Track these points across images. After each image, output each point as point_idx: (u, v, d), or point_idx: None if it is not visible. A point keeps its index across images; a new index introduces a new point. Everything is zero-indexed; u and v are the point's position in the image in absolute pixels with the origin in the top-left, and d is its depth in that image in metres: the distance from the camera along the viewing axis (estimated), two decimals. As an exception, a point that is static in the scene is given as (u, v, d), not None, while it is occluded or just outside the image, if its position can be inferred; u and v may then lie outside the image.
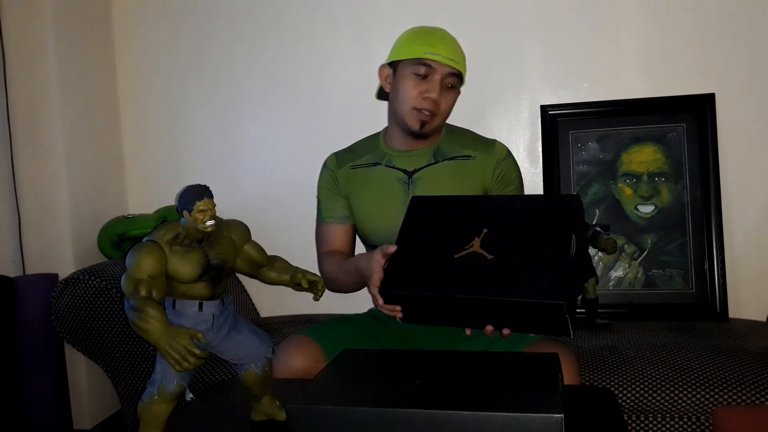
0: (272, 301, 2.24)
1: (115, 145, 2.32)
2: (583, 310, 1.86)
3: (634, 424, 1.49)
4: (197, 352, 0.88)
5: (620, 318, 1.93)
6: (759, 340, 1.66)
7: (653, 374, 1.49)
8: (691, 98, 1.99)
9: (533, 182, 2.09)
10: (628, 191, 2.01)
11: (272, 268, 1.07)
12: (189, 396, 0.95)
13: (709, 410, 1.44)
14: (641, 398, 1.47)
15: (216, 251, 0.95)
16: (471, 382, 0.95)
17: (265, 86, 2.25)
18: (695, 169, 1.97)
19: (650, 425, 1.48)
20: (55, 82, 2.03)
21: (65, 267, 2.01)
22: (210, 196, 0.92)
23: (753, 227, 2.00)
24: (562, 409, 0.83)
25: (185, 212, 0.92)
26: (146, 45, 2.31)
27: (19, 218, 2.05)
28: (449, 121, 1.53)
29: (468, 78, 1.51)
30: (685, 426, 1.47)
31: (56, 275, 1.95)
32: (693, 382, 1.47)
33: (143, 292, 0.88)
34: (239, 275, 2.16)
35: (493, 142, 1.52)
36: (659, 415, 1.47)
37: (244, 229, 1.03)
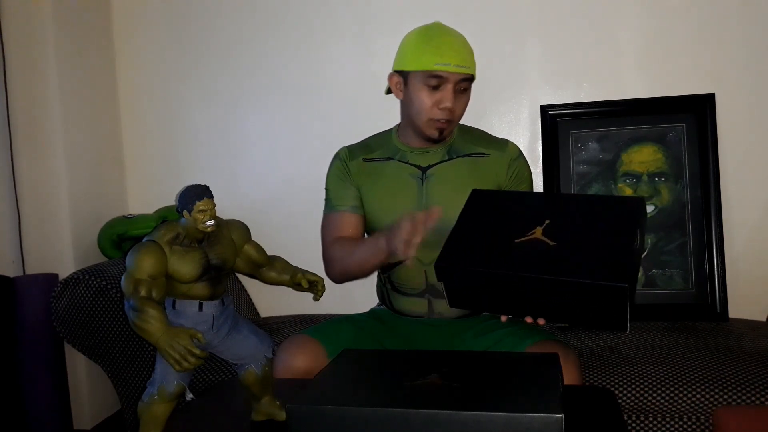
0: (272, 301, 2.24)
1: (115, 145, 2.32)
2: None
3: (634, 424, 1.49)
4: (197, 352, 0.88)
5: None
6: (759, 340, 1.67)
7: (653, 374, 1.49)
8: (691, 98, 1.99)
9: (533, 182, 2.08)
10: (628, 191, 2.01)
11: (272, 268, 1.07)
12: (189, 396, 0.96)
13: (709, 410, 1.44)
14: (641, 398, 1.47)
15: (216, 251, 0.95)
16: (471, 382, 0.95)
17: (265, 86, 2.25)
18: (695, 169, 1.97)
19: (650, 425, 1.48)
20: (55, 82, 2.03)
21: (65, 267, 2.01)
22: (210, 196, 0.92)
23: (753, 227, 2.00)
24: (562, 409, 0.83)
25: (185, 212, 0.92)
26: (146, 45, 2.31)
27: (19, 218, 2.05)
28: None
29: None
30: (685, 426, 1.47)
31: (56, 275, 1.95)
32: (693, 382, 1.47)
33: (143, 292, 0.88)
34: (239, 275, 2.15)
35: (506, 141, 1.53)
36: (659, 415, 1.47)
37: (244, 229, 1.02)
